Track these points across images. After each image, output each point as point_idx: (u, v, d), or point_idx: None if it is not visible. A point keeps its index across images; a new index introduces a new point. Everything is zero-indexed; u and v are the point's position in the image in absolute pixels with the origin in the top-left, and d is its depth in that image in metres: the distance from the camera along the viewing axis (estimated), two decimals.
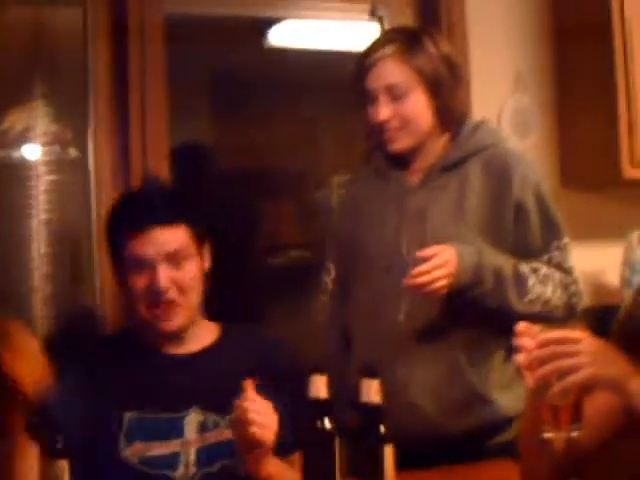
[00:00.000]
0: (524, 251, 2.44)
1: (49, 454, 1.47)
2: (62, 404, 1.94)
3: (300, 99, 3.81)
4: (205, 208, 3.82)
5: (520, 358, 1.58)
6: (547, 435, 1.61)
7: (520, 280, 2.39)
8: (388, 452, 1.78)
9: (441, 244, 2.33)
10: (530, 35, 3.50)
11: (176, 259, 2.15)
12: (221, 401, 2.10)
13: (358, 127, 2.67)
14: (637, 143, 3.14)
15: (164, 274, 2.13)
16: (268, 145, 3.90)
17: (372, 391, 1.81)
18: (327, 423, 1.79)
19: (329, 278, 2.64)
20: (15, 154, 2.96)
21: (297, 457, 2.09)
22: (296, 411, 2.03)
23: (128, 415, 2.11)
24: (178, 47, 3.08)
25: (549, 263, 2.44)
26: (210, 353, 2.24)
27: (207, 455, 2.09)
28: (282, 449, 2.06)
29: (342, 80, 2.61)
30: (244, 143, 3.87)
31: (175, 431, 2.11)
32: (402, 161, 2.51)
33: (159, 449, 2.09)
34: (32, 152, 2.96)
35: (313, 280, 2.72)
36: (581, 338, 1.55)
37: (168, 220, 2.16)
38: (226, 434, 2.10)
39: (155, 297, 2.14)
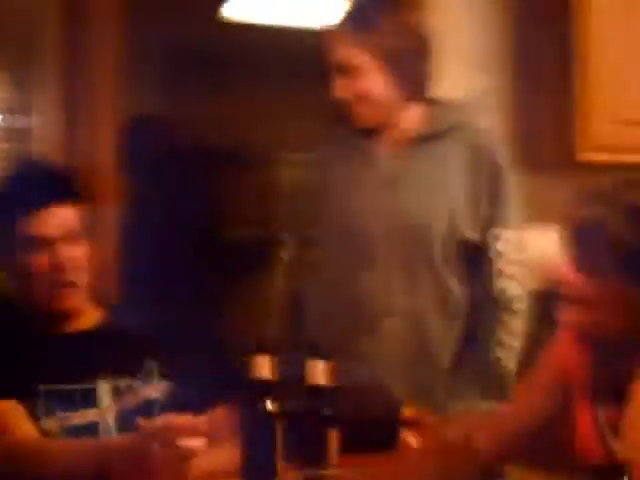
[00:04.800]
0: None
1: None
2: None
3: (255, 73, 3.78)
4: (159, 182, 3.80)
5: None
6: None
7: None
8: (332, 437, 1.75)
9: (414, 214, 2.37)
10: (489, 17, 3.46)
11: (72, 237, 2.13)
12: (129, 365, 2.13)
13: (315, 103, 2.64)
14: (591, 126, 3.12)
15: (64, 254, 2.10)
16: (221, 119, 3.87)
17: (318, 372, 1.77)
18: (268, 404, 1.75)
19: (285, 252, 2.59)
20: None
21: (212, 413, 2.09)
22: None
23: (42, 388, 2.08)
24: (132, 17, 3.02)
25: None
26: (103, 327, 2.22)
27: (125, 419, 2.08)
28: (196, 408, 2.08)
29: (298, 54, 2.57)
30: (196, 116, 3.85)
31: (90, 401, 2.10)
32: (370, 132, 2.47)
33: (78, 419, 2.08)
34: None
35: (266, 257, 2.69)
36: None
37: (65, 197, 2.13)
38: (141, 395, 2.13)
39: (56, 278, 2.10)
